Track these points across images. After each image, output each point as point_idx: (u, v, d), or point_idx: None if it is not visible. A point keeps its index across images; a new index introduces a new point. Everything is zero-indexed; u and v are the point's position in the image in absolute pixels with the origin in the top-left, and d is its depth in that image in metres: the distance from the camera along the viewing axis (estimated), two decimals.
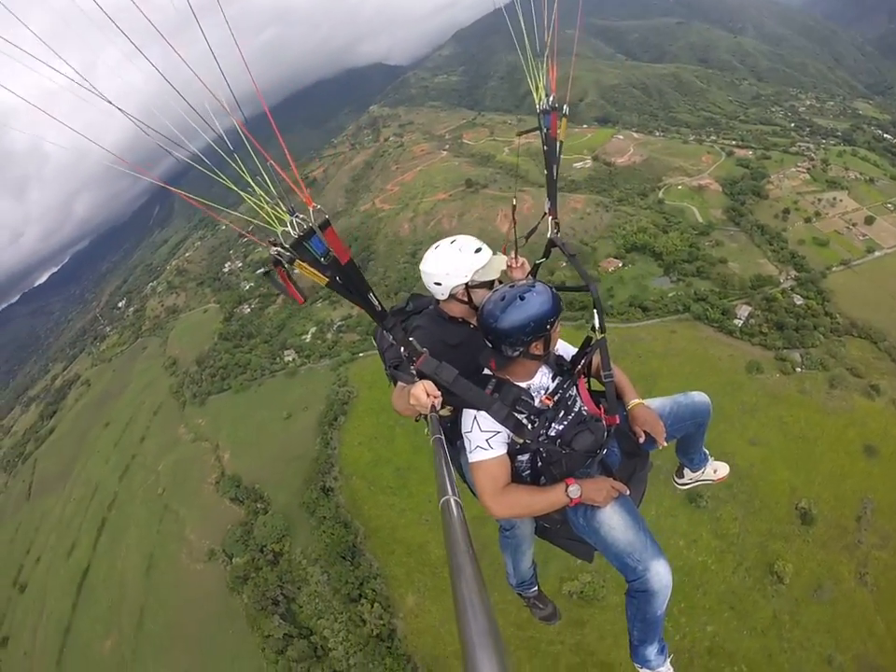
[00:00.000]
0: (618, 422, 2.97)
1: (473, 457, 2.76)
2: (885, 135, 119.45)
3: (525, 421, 2.73)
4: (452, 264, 3.03)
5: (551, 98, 3.40)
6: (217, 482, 64.56)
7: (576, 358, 3.02)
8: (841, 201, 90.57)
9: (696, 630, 39.34)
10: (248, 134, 2.14)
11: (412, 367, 2.71)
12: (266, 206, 2.19)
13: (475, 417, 2.74)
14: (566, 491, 2.72)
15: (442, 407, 2.67)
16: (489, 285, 3.10)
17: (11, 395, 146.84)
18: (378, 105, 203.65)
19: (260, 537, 54.71)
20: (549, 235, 3.60)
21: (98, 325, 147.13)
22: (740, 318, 68.35)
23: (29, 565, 70.66)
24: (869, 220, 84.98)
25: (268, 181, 2.18)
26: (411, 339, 2.75)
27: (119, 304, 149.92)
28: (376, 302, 2.64)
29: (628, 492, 2.91)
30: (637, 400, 3.15)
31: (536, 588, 4.29)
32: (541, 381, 2.90)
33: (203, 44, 2.07)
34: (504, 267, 3.16)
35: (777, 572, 42.08)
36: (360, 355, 74.59)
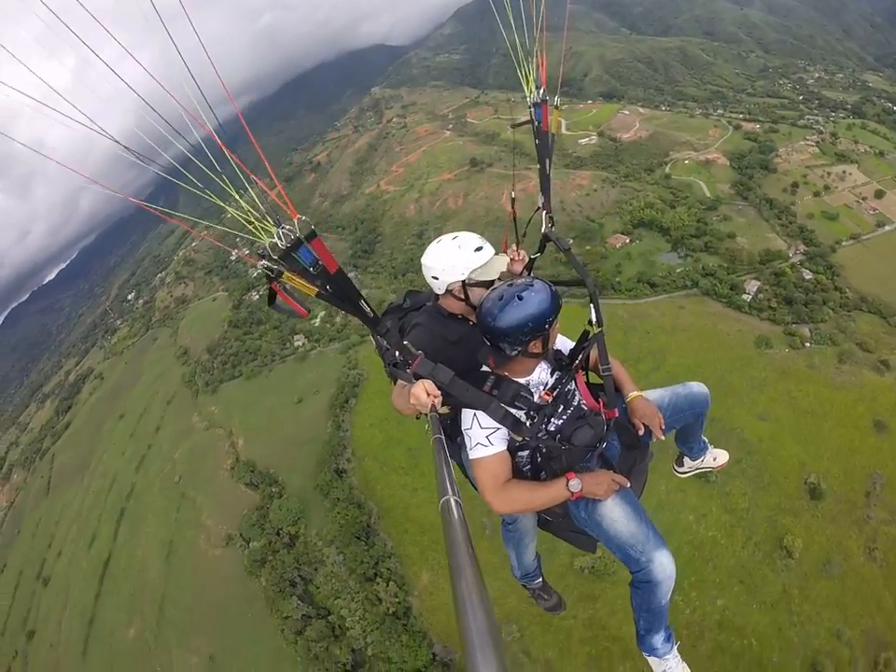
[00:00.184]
0: (617, 415, 2.98)
1: (474, 454, 2.78)
2: (895, 108, 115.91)
3: (524, 417, 2.75)
4: (450, 261, 3.00)
5: (541, 90, 3.37)
6: (231, 468, 65.43)
7: (574, 353, 3.00)
8: (850, 174, 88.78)
9: (706, 604, 39.72)
10: (233, 156, 2.14)
11: (408, 370, 2.73)
12: (253, 220, 2.21)
13: (475, 414, 2.76)
14: (566, 485, 2.73)
15: (442, 405, 2.67)
16: (487, 284, 3.04)
17: (26, 392, 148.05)
18: (380, 86, 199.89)
19: (276, 520, 55.63)
20: (543, 230, 3.59)
21: (108, 318, 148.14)
22: (749, 293, 67.71)
23: (51, 558, 71.55)
24: (879, 194, 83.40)
25: (254, 196, 2.19)
26: (406, 343, 2.77)
27: (129, 297, 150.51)
28: (368, 309, 2.66)
29: (629, 484, 2.91)
30: (635, 393, 3.16)
31: (540, 579, 4.32)
32: (540, 376, 2.90)
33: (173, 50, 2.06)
34: (504, 268, 3.13)
35: (786, 547, 42.25)
36: (369, 337, 74.88)
